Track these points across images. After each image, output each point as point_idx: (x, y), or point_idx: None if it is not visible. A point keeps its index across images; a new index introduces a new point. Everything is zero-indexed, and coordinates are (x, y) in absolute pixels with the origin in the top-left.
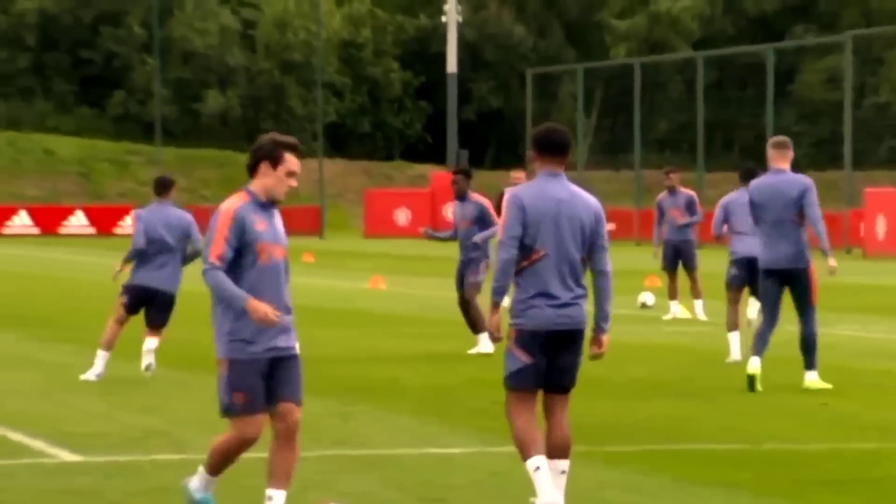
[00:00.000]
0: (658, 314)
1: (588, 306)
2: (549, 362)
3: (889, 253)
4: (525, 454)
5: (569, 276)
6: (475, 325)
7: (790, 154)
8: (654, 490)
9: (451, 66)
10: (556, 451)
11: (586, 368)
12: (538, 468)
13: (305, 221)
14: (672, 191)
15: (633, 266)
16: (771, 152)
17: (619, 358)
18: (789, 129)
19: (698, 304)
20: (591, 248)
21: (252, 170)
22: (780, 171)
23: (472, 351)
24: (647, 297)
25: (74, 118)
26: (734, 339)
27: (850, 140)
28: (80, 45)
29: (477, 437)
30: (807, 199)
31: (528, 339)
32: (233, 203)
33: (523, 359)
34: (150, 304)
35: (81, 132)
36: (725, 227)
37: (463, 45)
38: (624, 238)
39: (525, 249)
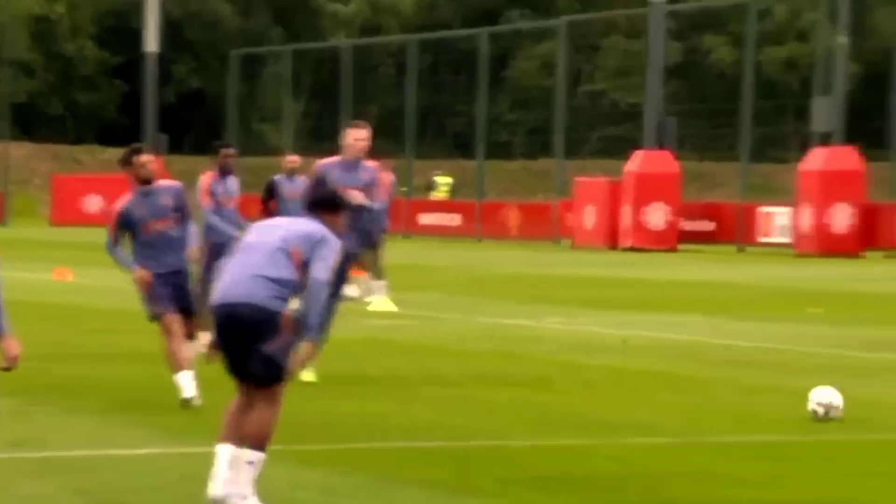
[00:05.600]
0: (359, 307)
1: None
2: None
3: (597, 244)
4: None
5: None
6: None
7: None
8: (349, 490)
9: (151, 44)
10: (240, 440)
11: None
12: (216, 455)
13: None
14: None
15: None
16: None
17: (319, 353)
18: (504, 117)
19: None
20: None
21: None
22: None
23: None
24: (351, 290)
25: None
26: None
27: (561, 128)
28: None
29: (166, 437)
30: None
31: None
32: None
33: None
34: None
35: None
36: None
37: (166, 23)
38: None
39: None
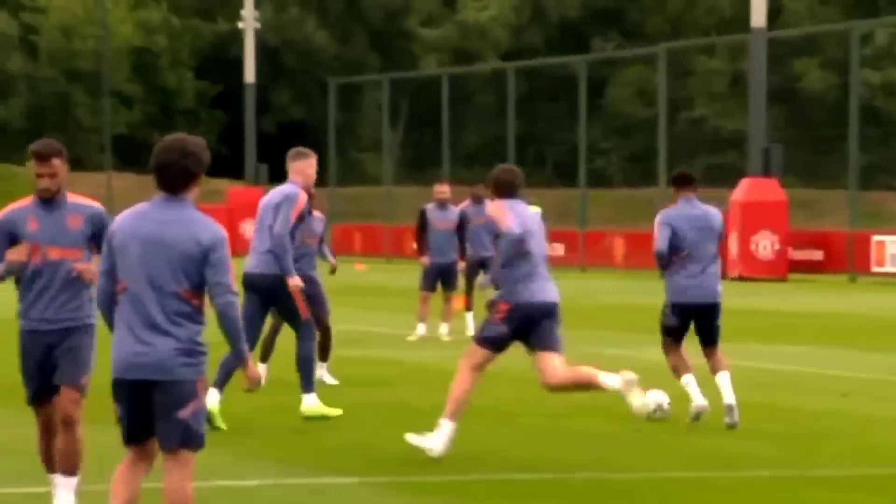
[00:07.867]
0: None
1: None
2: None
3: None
4: None
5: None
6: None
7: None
8: None
9: (250, 75)
10: None
11: (372, 395)
12: None
13: None
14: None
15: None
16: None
17: (422, 383)
18: (598, 144)
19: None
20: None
21: None
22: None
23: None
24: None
25: None
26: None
27: (664, 156)
28: None
29: (275, 468)
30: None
31: None
32: None
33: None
34: None
35: None
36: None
37: (262, 51)
38: None
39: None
